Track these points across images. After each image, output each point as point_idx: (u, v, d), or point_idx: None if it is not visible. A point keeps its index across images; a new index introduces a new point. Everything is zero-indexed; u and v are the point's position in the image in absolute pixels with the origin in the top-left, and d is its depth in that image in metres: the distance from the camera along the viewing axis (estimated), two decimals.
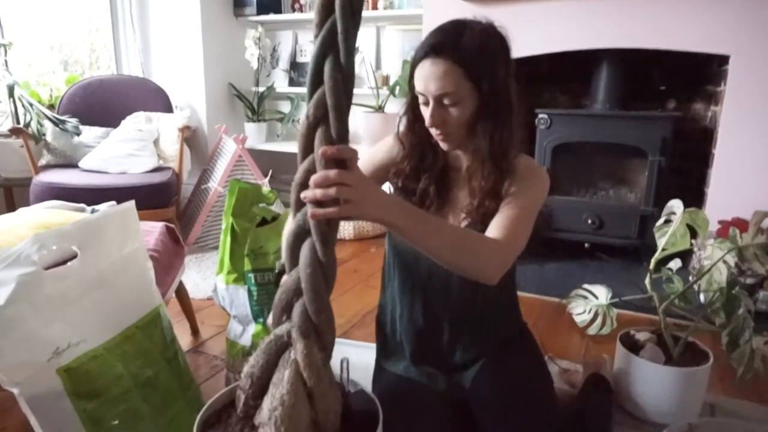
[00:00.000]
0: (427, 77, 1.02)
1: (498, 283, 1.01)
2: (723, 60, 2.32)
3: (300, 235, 0.81)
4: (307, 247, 0.79)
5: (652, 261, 1.39)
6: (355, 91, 0.83)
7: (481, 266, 0.98)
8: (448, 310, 1.19)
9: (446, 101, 1.03)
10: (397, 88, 3.09)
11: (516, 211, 1.05)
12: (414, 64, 1.05)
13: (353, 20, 0.77)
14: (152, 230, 1.65)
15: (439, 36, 1.02)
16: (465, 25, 1.03)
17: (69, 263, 1.07)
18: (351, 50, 0.77)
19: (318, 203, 0.78)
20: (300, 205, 0.81)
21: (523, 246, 1.05)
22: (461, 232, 1.01)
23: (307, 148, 0.81)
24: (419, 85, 1.04)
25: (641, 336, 1.45)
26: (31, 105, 2.76)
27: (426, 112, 1.06)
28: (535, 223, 1.09)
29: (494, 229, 1.04)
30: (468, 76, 1.00)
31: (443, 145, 1.11)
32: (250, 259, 1.31)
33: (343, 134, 0.78)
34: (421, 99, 1.07)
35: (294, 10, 3.56)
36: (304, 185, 0.80)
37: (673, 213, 1.38)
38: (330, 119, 0.78)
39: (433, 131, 1.08)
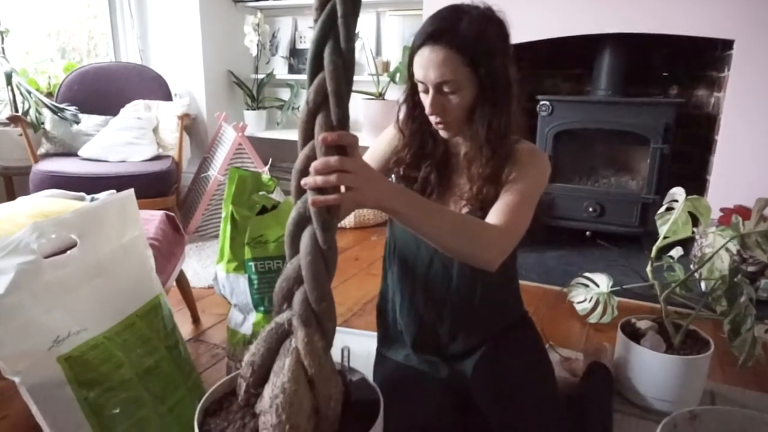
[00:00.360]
0: (426, 65, 1.01)
1: (499, 271, 1.00)
2: (727, 45, 2.29)
3: (300, 222, 0.80)
4: (308, 234, 0.78)
5: (654, 249, 1.39)
6: (355, 77, 0.82)
7: (481, 252, 0.98)
8: (448, 298, 1.19)
9: (446, 89, 1.02)
10: (398, 74, 3.06)
11: (516, 197, 1.05)
12: (412, 52, 1.04)
13: (353, 4, 0.75)
14: (152, 219, 1.64)
15: (436, 23, 1.01)
16: (462, 10, 1.02)
17: (68, 252, 1.07)
18: (351, 35, 0.76)
19: (319, 190, 0.77)
20: (300, 192, 0.80)
21: (523, 231, 1.05)
22: (462, 218, 1.00)
23: (308, 135, 0.80)
24: (418, 73, 1.03)
25: (642, 324, 1.45)
26: (29, 93, 2.74)
27: (426, 99, 1.05)
28: (536, 210, 1.09)
29: (494, 215, 1.03)
30: (467, 62, 0.99)
31: (443, 133, 1.10)
32: (251, 248, 1.31)
33: (343, 120, 0.77)
34: (420, 87, 1.06)
35: None
36: (304, 172, 0.79)
37: (675, 200, 1.38)
38: (330, 105, 0.77)
39: (433, 119, 1.07)
